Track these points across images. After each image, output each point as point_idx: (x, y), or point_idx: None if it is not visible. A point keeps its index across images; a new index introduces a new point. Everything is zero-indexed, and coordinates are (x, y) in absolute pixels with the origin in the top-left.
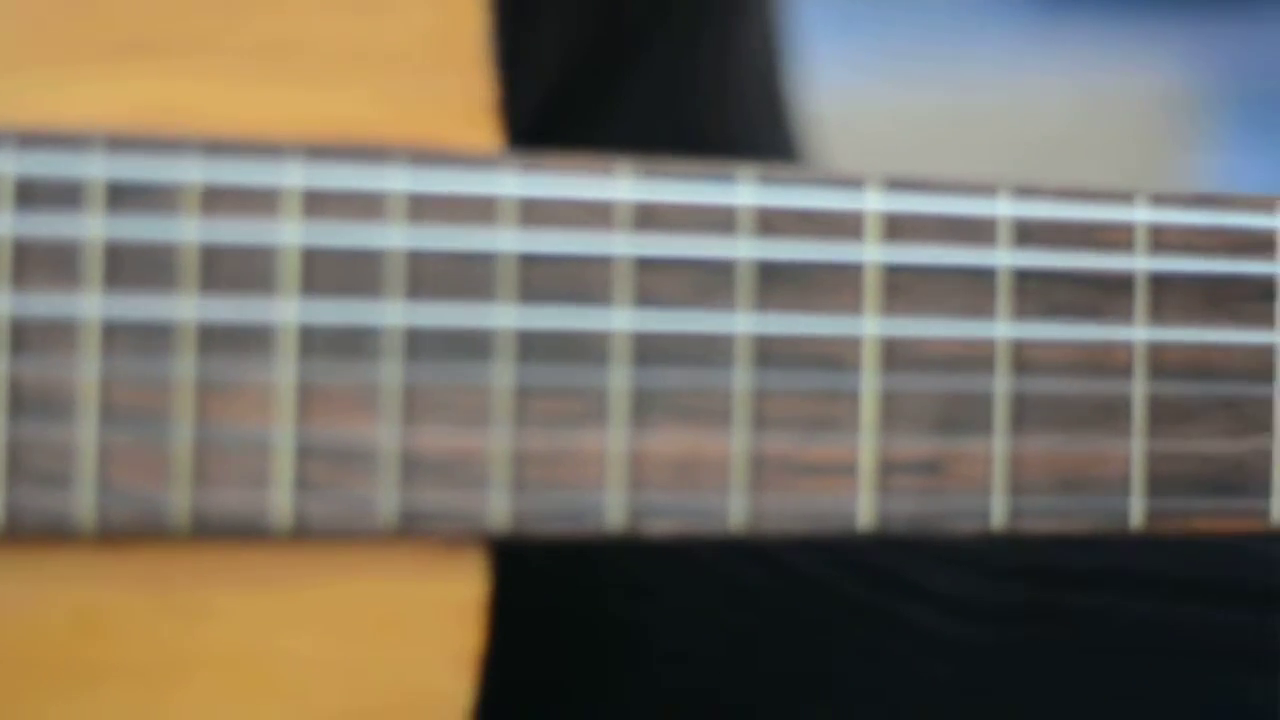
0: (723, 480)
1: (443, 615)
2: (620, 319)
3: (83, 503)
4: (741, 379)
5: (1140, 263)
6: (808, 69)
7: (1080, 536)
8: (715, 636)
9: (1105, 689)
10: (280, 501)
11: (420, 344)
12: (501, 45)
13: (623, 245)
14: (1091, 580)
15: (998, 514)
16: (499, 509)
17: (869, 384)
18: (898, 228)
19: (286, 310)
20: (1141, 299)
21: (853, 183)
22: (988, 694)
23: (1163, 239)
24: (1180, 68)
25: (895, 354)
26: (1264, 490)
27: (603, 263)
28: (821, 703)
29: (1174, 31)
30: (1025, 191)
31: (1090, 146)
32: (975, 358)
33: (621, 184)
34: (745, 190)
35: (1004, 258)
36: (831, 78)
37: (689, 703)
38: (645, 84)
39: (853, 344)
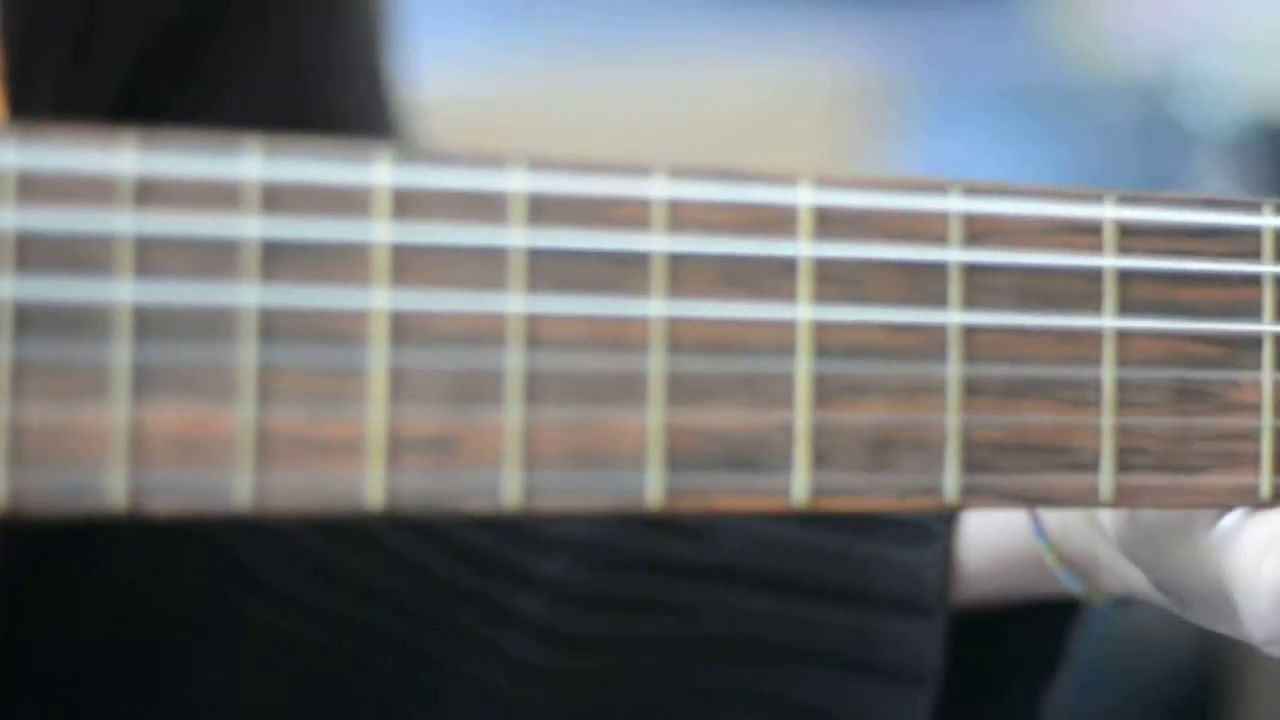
0: (227, 457)
1: None
2: (121, 291)
3: None
4: (246, 353)
5: (657, 239)
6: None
7: (598, 514)
8: (311, 626)
9: (700, 683)
10: None
11: None
12: (71, 18)
13: (124, 219)
14: (699, 573)
15: (510, 491)
16: None
17: (377, 359)
18: (408, 203)
19: None
20: (658, 274)
21: (362, 158)
22: (578, 683)
23: (681, 214)
24: (865, 57)
25: (405, 329)
26: (785, 468)
27: (104, 236)
28: (417, 690)
29: (859, 21)
30: (540, 165)
31: (777, 133)
32: (487, 332)
33: (124, 156)
34: (251, 163)
35: (517, 236)
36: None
37: (288, 686)
38: (241, 60)
39: (361, 318)
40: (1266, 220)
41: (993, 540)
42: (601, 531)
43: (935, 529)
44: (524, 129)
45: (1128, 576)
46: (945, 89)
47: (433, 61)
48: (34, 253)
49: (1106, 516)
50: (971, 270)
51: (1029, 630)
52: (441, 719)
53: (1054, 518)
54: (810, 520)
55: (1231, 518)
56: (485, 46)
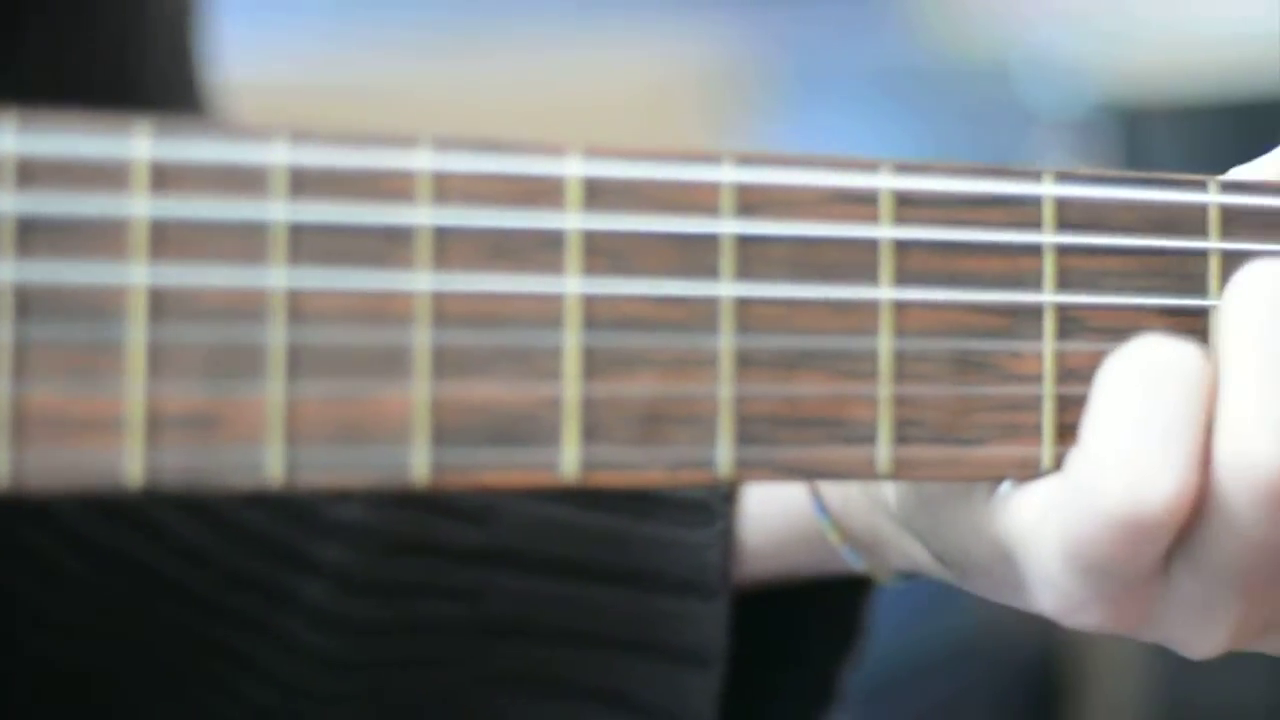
0: None
1: None
2: None
3: None
4: (1, 331)
5: (422, 212)
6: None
7: (363, 490)
8: (83, 605)
9: (487, 667)
10: None
11: None
12: None
13: None
14: (480, 557)
15: (273, 467)
16: None
17: (135, 335)
18: (167, 177)
19: None
20: (423, 247)
21: (120, 131)
22: (366, 669)
23: (447, 186)
24: (732, 43)
25: (164, 304)
26: (553, 442)
27: None
28: (203, 675)
29: (726, 6)
30: (301, 138)
31: (645, 120)
32: (248, 307)
33: None
34: (3, 139)
35: (279, 210)
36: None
37: (57, 673)
38: (35, 30)
39: (119, 294)
40: (1046, 189)
41: (775, 518)
42: (380, 516)
43: (716, 509)
44: (385, 120)
45: (910, 550)
46: (812, 73)
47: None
48: None
49: (888, 490)
50: (744, 241)
51: (825, 604)
52: (235, 710)
53: (835, 494)
54: (592, 503)
55: (1010, 484)
56: (337, 33)
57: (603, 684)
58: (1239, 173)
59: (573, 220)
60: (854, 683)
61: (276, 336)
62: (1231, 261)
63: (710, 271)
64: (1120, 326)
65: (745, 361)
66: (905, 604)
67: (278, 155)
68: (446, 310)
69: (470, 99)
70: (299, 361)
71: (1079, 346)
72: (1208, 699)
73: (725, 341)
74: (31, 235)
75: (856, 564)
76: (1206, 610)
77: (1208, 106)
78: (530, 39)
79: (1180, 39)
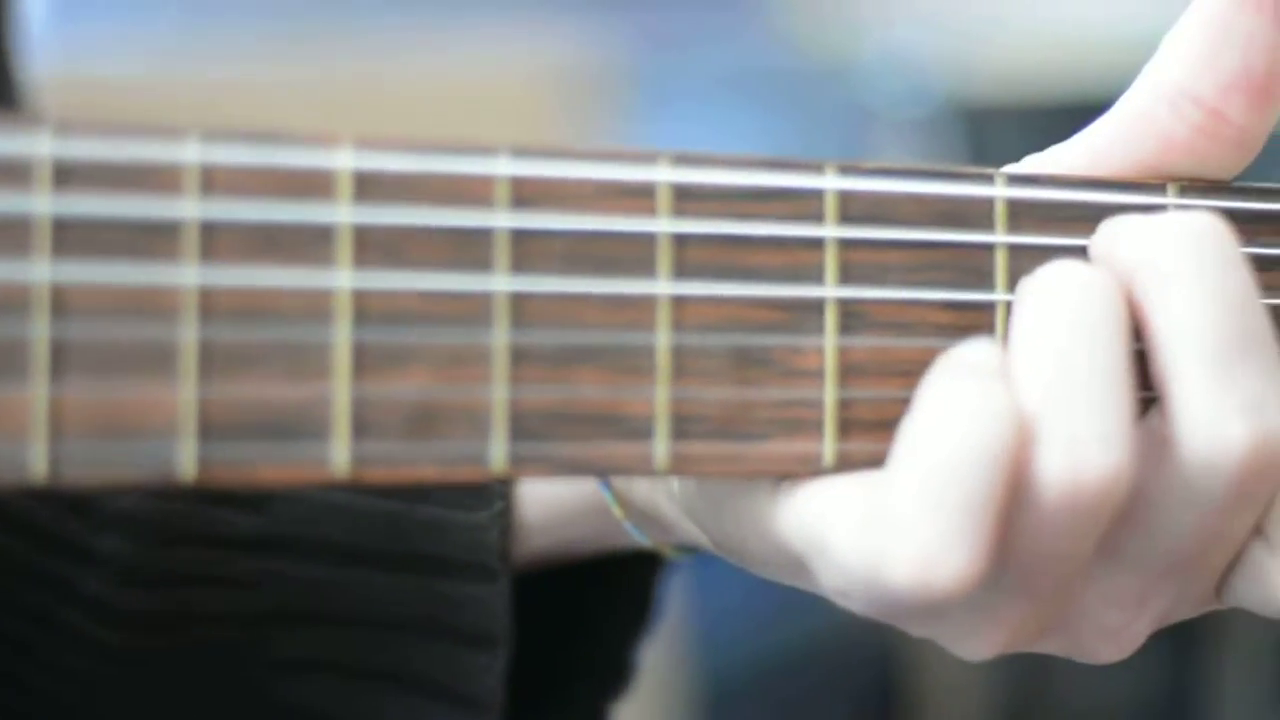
0: None
1: None
2: None
3: None
4: None
5: (188, 204)
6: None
7: (132, 487)
8: None
9: (270, 655)
10: None
11: None
12: None
13: None
14: (258, 546)
15: (36, 465)
16: None
17: None
18: None
19: None
20: (189, 240)
21: None
22: (148, 661)
23: (214, 179)
24: (587, 42)
25: None
26: (324, 438)
27: None
28: (19, 676)
29: (581, 6)
30: (66, 130)
31: (509, 116)
32: (11, 301)
33: None
34: None
35: (42, 202)
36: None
37: None
38: None
39: None
40: (829, 182)
41: (559, 492)
42: (157, 506)
43: (494, 490)
44: (219, 118)
45: (690, 533)
46: (671, 73)
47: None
48: None
49: None
50: (519, 235)
51: (617, 581)
52: (27, 702)
53: None
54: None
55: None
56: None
57: (390, 667)
58: (1030, 164)
59: (343, 213)
60: (703, 687)
61: (39, 331)
62: (1018, 256)
63: (485, 266)
64: (905, 321)
65: (520, 357)
66: (753, 608)
67: (42, 147)
68: (214, 304)
69: (327, 98)
70: (63, 357)
71: (861, 342)
72: (1050, 699)
73: (499, 337)
74: None
75: (641, 538)
76: (989, 613)
77: (1052, 106)
78: (387, 37)
79: (1025, 39)
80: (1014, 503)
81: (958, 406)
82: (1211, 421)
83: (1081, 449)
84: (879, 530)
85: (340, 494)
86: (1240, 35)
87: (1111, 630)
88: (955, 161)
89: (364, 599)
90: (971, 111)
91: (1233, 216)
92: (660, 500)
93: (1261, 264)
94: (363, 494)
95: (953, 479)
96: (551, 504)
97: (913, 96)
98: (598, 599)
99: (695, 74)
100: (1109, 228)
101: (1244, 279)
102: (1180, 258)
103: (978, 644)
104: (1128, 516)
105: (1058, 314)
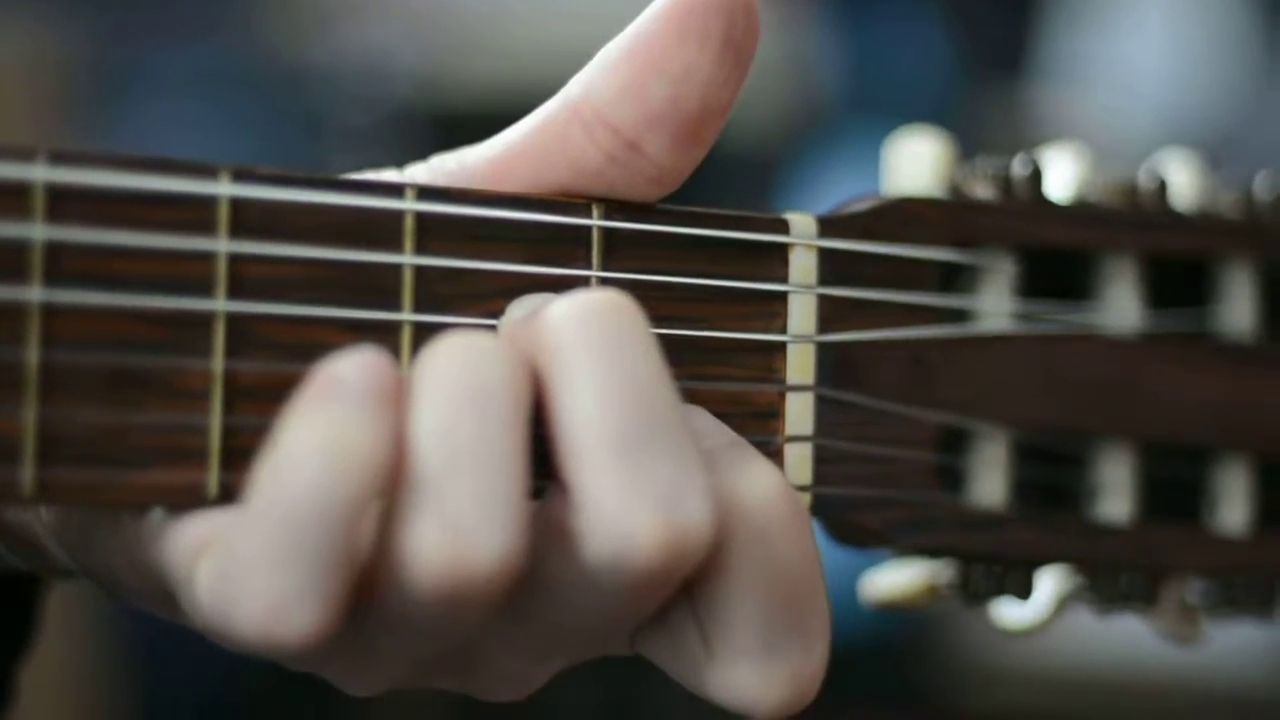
0: None
1: None
2: None
3: None
4: None
5: None
6: None
7: None
8: None
9: None
10: None
11: None
12: None
13: None
14: None
15: None
16: None
17: None
18: None
19: None
20: None
21: None
22: None
23: None
24: (66, 38)
25: None
26: (15, 459)
27: None
28: None
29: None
30: None
31: None
32: None
33: None
34: None
35: None
36: None
37: None
38: None
39: None
40: (223, 189)
41: None
42: None
43: None
44: None
45: (64, 559)
46: (144, 72)
47: None
48: None
49: None
50: None
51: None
52: None
53: None
54: None
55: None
56: None
57: None
58: (435, 163)
59: None
60: None
61: None
62: (426, 275)
63: None
64: (303, 342)
65: None
66: None
67: None
68: None
69: None
70: None
71: (253, 365)
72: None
73: None
74: None
75: (12, 559)
76: (369, 657)
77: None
78: None
79: (501, 47)
80: (384, 566)
81: (317, 442)
82: (616, 518)
83: (462, 527)
84: (230, 576)
85: None
86: (675, 69)
87: (510, 676)
88: None
89: None
90: (438, 119)
91: (655, 240)
92: (34, 522)
93: (697, 295)
94: None
95: (304, 528)
96: None
97: (377, 103)
98: None
99: (163, 73)
100: (516, 305)
101: (650, 362)
102: (581, 341)
103: (358, 685)
104: (528, 589)
105: (452, 380)
